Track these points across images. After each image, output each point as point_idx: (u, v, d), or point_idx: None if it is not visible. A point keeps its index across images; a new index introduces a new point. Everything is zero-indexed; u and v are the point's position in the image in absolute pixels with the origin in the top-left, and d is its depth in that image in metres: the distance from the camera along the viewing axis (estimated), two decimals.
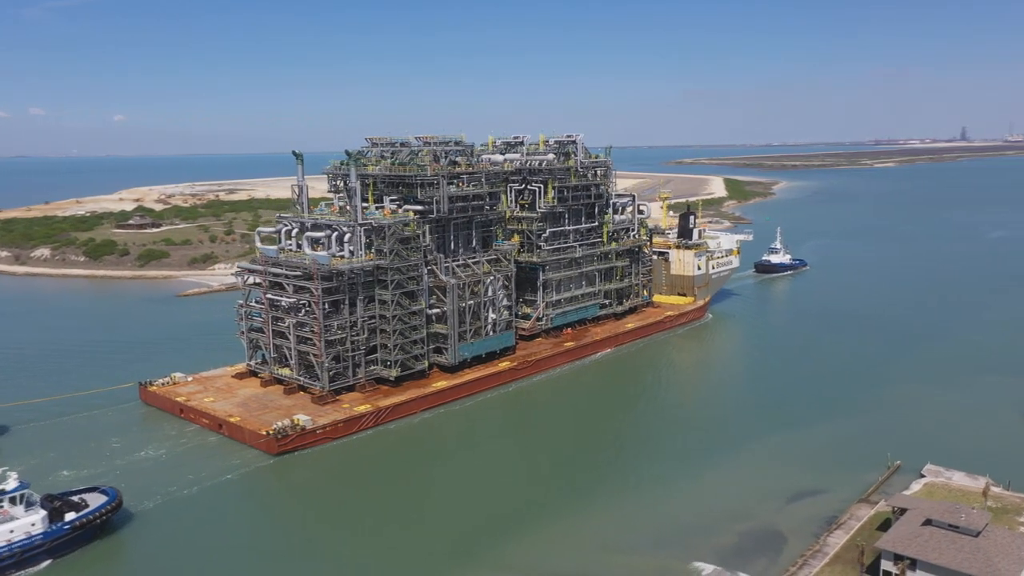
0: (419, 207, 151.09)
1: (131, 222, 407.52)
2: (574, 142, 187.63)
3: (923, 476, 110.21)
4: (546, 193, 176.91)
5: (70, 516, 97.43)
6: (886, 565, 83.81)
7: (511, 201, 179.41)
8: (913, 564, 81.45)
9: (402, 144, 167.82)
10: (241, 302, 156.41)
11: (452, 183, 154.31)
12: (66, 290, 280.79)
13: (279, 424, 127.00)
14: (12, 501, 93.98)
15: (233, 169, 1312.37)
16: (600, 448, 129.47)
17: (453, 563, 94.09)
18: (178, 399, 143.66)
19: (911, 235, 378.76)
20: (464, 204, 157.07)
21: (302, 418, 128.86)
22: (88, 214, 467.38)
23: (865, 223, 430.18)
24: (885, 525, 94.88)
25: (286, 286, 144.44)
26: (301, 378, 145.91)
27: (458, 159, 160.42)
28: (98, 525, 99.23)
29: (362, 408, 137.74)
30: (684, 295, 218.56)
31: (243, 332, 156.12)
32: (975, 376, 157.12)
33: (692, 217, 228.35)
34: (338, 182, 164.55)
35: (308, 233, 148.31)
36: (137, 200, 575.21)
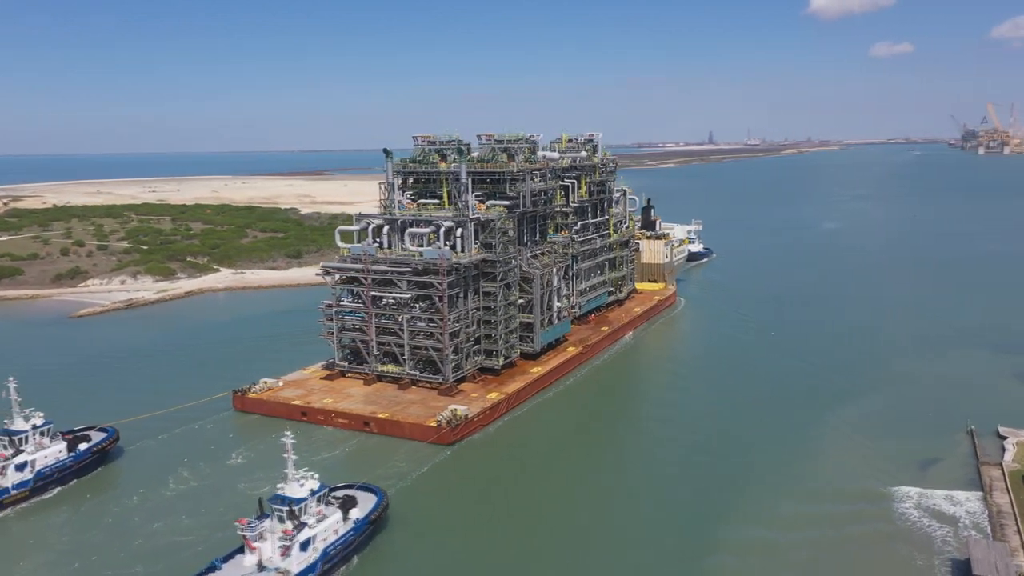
0: (506, 202, 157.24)
1: None
2: (592, 140, 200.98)
3: (1004, 437, 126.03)
4: (579, 188, 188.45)
5: (355, 513, 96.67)
6: None
7: None
8: None
9: (456, 141, 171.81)
10: (329, 302, 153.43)
11: (532, 178, 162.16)
12: None
13: (442, 415, 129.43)
14: (318, 500, 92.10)
15: None
16: (707, 423, 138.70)
17: (693, 515, 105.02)
18: (294, 403, 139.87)
19: (762, 226, 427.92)
20: (536, 198, 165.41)
21: (460, 408, 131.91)
22: None
23: (712, 217, 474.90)
24: None
25: (398, 282, 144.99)
26: (415, 372, 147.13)
27: (516, 156, 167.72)
28: (381, 522, 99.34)
29: (493, 396, 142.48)
30: (655, 282, 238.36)
31: (331, 332, 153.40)
32: (954, 344, 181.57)
33: (652, 210, 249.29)
34: (396, 180, 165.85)
35: (411, 229, 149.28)
36: None
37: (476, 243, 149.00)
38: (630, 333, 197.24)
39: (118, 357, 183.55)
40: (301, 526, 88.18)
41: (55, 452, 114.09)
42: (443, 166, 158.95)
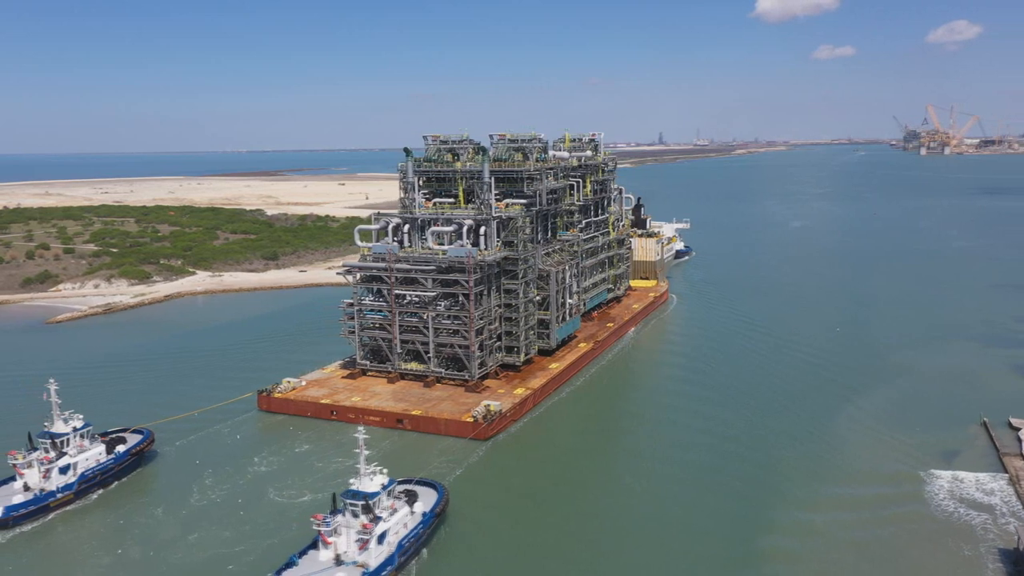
0: (523, 200, 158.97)
1: None
2: (594, 140, 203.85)
3: (1017, 428, 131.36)
4: (584, 186, 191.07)
5: (419, 507, 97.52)
6: None
7: None
8: None
9: (469, 141, 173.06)
10: (349, 301, 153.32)
11: (546, 177, 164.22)
12: None
13: (477, 411, 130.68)
14: (388, 494, 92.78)
15: None
16: (725, 414, 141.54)
17: (755, 504, 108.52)
18: (323, 401, 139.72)
19: (733, 225, 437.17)
20: (550, 197, 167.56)
21: (494, 404, 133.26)
22: None
23: (683, 216, 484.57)
24: None
25: (423, 280, 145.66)
26: (440, 370, 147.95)
27: (530, 155, 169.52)
28: (443, 516, 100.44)
29: (520, 391, 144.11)
30: (647, 279, 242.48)
31: (352, 331, 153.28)
32: (946, 338, 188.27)
33: (642, 208, 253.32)
34: (415, 179, 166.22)
35: (434, 228, 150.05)
36: None
37: (498, 241, 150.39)
38: (632, 329, 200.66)
39: (116, 361, 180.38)
40: (376, 520, 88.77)
41: (95, 455, 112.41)
42: (457, 165, 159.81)
